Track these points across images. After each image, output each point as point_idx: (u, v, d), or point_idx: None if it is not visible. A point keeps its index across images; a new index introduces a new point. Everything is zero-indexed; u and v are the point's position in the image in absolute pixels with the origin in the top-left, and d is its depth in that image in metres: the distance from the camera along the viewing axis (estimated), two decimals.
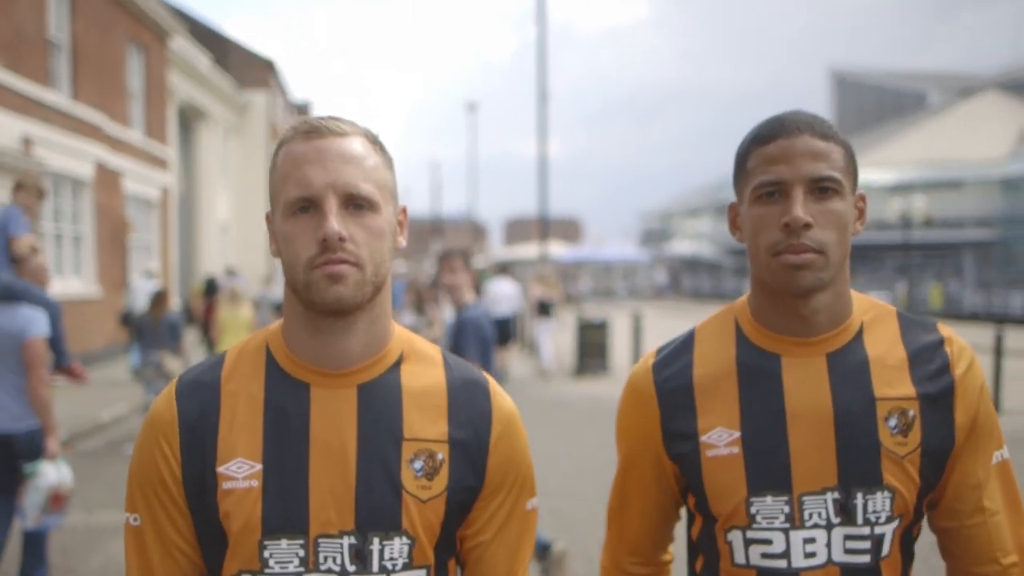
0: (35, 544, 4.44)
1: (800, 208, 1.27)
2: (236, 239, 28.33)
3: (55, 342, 4.70)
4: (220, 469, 1.22)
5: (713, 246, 50.32)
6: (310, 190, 1.18)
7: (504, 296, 13.71)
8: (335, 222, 1.17)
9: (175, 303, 13.32)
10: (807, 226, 1.27)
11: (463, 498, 1.27)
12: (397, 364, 1.29)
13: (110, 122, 16.47)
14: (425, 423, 1.27)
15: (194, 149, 24.71)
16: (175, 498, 1.25)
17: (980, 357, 1.48)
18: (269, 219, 1.27)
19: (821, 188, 1.29)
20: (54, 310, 4.71)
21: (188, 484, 1.24)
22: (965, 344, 1.39)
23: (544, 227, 19.87)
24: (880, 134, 49.32)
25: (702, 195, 55.99)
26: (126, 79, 17.66)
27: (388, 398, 1.26)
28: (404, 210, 1.33)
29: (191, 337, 14.16)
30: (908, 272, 32.94)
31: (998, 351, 9.87)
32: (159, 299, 8.90)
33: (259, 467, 1.22)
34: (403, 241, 1.32)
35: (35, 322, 4.39)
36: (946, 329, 1.40)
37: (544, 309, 15.05)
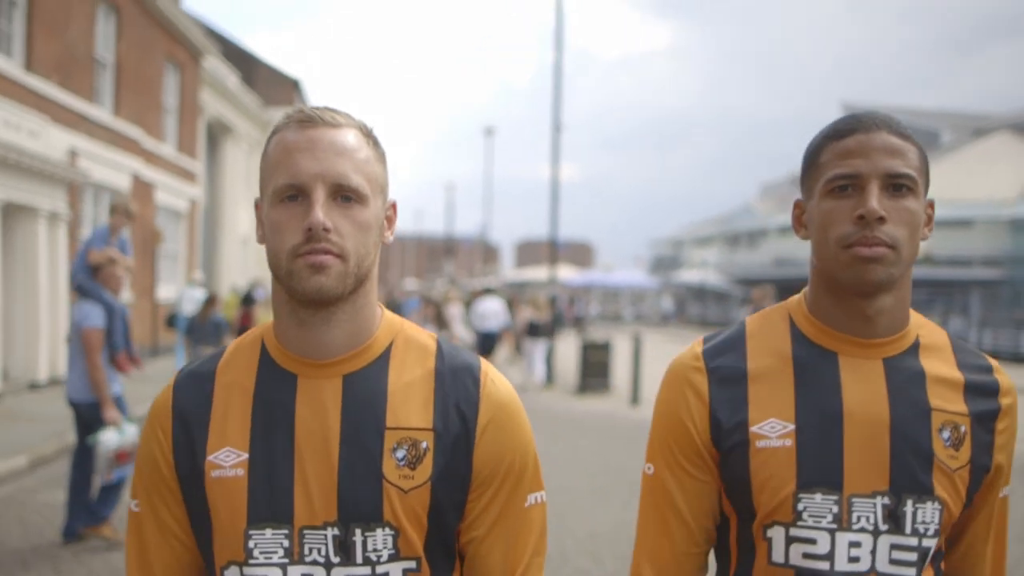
0: (109, 493, 5.65)
1: (875, 201, 1.25)
2: (256, 252, 29.17)
3: (109, 335, 5.64)
4: (209, 458, 1.23)
5: (721, 275, 50.91)
6: (299, 179, 1.17)
7: (491, 313, 15.54)
8: (321, 212, 1.16)
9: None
10: (881, 220, 1.25)
11: (451, 489, 1.23)
12: (386, 354, 1.27)
13: (147, 137, 17.39)
14: (410, 412, 1.23)
15: (219, 163, 25.59)
16: (170, 485, 1.26)
17: None
18: (258, 206, 1.25)
19: (896, 185, 1.27)
20: (109, 308, 5.64)
21: (181, 472, 1.25)
22: (1010, 379, 1.40)
23: (554, 251, 20.59)
24: None
25: (712, 224, 56.78)
26: (162, 96, 18.62)
27: (373, 388, 1.24)
28: (394, 205, 1.32)
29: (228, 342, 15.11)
30: (912, 308, 33.22)
31: None
32: (209, 301, 10.04)
33: (245, 456, 1.22)
34: (390, 237, 1.31)
35: (90, 316, 5.51)
36: (993, 360, 1.41)
37: (534, 330, 16.19)
